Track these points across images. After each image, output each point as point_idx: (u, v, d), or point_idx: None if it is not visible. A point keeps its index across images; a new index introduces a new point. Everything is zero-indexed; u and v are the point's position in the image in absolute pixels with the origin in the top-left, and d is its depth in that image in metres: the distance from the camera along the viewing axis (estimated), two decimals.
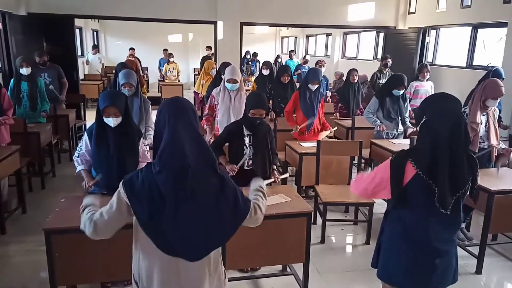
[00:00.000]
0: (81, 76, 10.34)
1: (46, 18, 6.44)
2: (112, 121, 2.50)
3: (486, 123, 3.43)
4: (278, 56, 13.54)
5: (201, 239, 1.56)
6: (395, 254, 1.94)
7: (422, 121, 1.85)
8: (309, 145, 4.16)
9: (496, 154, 3.45)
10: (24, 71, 4.84)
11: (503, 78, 4.47)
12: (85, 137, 2.65)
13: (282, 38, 16.75)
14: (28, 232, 3.66)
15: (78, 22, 10.47)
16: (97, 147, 2.55)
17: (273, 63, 12.26)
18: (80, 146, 2.68)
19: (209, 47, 10.66)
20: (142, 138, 2.78)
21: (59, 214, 2.40)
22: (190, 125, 1.56)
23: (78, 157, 2.67)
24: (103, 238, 1.63)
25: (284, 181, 4.17)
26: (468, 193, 1.84)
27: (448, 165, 1.74)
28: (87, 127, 2.81)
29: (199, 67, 10.91)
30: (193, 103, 7.08)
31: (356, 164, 4.51)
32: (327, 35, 12.66)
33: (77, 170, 2.70)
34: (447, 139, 1.74)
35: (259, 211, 1.73)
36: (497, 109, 3.58)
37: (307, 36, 14.68)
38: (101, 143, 2.54)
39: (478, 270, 3.22)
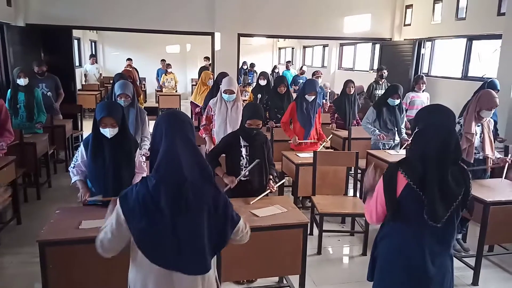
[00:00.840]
0: (79, 87, 10.37)
1: (44, 29, 6.48)
2: (108, 132, 2.51)
3: (481, 133, 3.46)
4: (275, 67, 13.62)
5: (198, 252, 1.58)
6: (390, 269, 1.93)
7: (415, 132, 1.88)
8: (306, 156, 4.17)
9: (491, 164, 3.47)
10: (22, 81, 4.85)
11: (498, 90, 4.52)
12: (81, 148, 2.65)
13: (279, 49, 16.88)
14: (23, 243, 3.63)
15: (76, 32, 10.50)
16: (93, 158, 2.55)
17: (270, 74, 12.33)
18: (76, 156, 2.68)
19: (207, 58, 10.73)
20: (138, 148, 2.78)
21: (53, 225, 2.39)
22: (187, 138, 1.58)
23: (73, 168, 2.67)
24: (112, 255, 1.62)
25: (281, 192, 4.17)
26: (463, 205, 1.84)
27: (437, 177, 1.75)
28: (84, 137, 2.82)
29: (197, 77, 10.96)
30: (190, 114, 7.15)
31: (353, 175, 4.51)
32: (324, 46, 12.77)
33: (72, 181, 2.69)
34: (436, 150, 1.75)
35: (248, 229, 1.77)
36: (492, 120, 3.60)
37: (304, 47, 14.80)
38: (97, 154, 2.54)
39: (475, 282, 3.21)
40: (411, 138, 1.93)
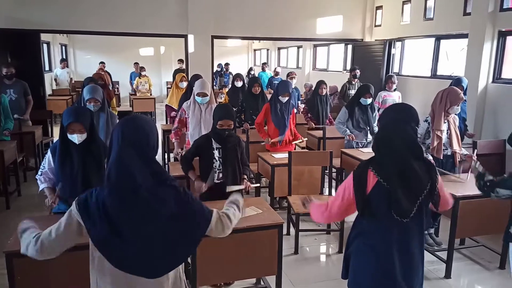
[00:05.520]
0: (49, 92, 10.09)
1: (10, 33, 6.28)
2: (76, 138, 2.45)
3: (447, 130, 3.56)
4: (251, 69, 13.65)
5: (160, 257, 1.55)
6: (362, 264, 1.96)
7: (376, 132, 1.94)
8: (281, 156, 4.19)
9: (459, 159, 3.57)
10: None
11: (463, 86, 4.67)
12: (48, 154, 2.58)
13: (255, 50, 16.91)
14: None
15: (45, 36, 10.25)
16: (61, 165, 2.48)
17: (246, 75, 12.35)
18: (43, 164, 2.61)
19: (181, 60, 10.64)
20: None
21: None
22: (140, 145, 1.53)
23: (41, 175, 2.60)
24: (48, 257, 1.58)
25: (257, 193, 4.17)
26: (429, 198, 1.89)
27: (398, 172, 1.80)
28: None
29: (171, 80, 10.85)
30: (165, 117, 7.04)
31: (328, 174, 4.56)
32: (298, 47, 12.88)
33: (40, 189, 2.62)
34: (394, 147, 1.82)
35: (227, 221, 1.72)
36: (456, 117, 3.72)
37: (279, 48, 14.89)
38: (65, 160, 2.48)
39: (447, 275, 3.29)
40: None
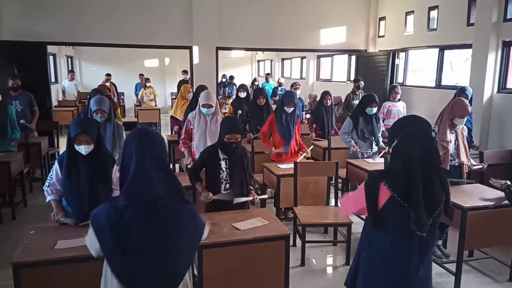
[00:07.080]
0: (55, 103, 10.17)
1: (17, 45, 6.36)
2: (83, 149, 2.46)
3: (455, 141, 3.55)
4: (254, 79, 13.72)
5: (168, 271, 1.57)
6: (373, 277, 1.93)
7: (394, 144, 1.88)
8: (287, 167, 4.17)
9: (466, 171, 3.55)
10: None
11: (467, 94, 4.66)
12: (56, 166, 2.59)
13: (258, 61, 17.01)
14: None
15: (51, 48, 10.35)
16: (68, 176, 2.49)
17: (250, 86, 12.41)
18: (51, 175, 2.61)
19: (185, 71, 10.71)
20: (115, 164, 2.72)
21: (28, 246, 2.31)
22: (158, 156, 1.56)
23: (48, 187, 2.60)
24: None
25: (263, 204, 4.15)
26: (443, 212, 1.87)
27: (422, 186, 1.76)
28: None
29: (176, 91, 10.91)
30: (170, 128, 7.09)
31: (334, 184, 4.54)
32: (302, 58, 12.94)
33: (47, 200, 2.62)
34: (418, 160, 1.76)
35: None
36: (465, 127, 3.70)
37: (283, 59, 14.97)
38: (72, 171, 2.48)
39: (456, 287, 3.24)
40: (390, 151, 1.93)
